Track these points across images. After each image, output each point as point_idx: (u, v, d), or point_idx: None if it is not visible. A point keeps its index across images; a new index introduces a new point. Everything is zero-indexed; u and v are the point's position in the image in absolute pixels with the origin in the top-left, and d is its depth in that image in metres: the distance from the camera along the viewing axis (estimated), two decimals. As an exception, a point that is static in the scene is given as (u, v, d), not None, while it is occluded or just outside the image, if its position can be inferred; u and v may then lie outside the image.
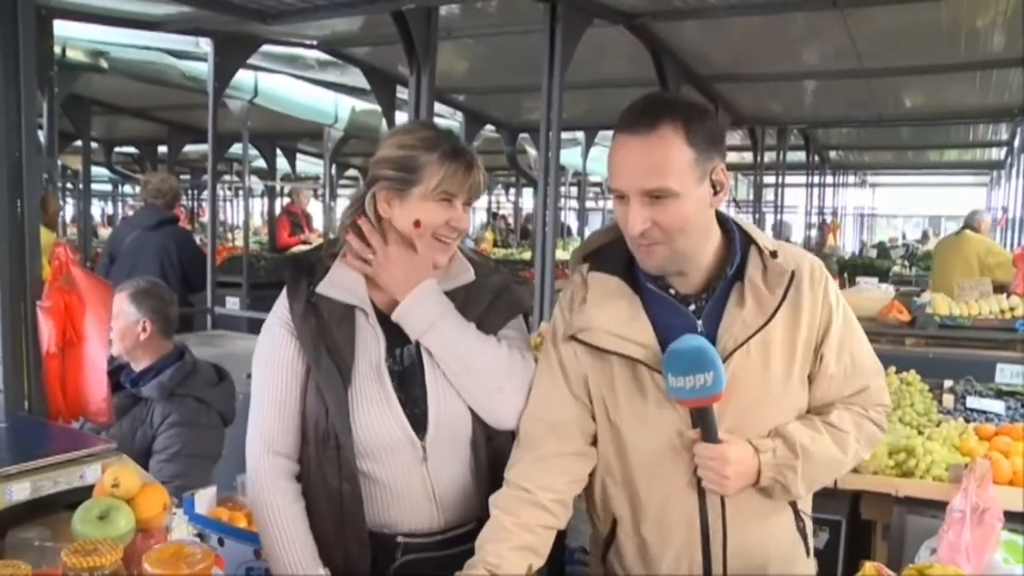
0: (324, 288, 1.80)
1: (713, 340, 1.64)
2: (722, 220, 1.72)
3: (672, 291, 1.71)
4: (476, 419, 1.82)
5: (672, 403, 1.65)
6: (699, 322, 1.69)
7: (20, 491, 1.68)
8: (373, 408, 1.76)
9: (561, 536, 2.01)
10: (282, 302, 1.84)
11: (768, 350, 1.67)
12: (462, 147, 1.80)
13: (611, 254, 1.77)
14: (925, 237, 18.10)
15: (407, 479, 1.79)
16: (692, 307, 1.70)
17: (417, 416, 1.79)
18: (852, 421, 1.74)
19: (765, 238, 1.73)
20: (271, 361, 1.81)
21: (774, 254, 1.68)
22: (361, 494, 1.77)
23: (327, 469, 1.77)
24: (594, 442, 1.79)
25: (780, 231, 11.16)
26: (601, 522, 1.87)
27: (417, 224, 1.77)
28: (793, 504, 1.79)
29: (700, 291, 1.70)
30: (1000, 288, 5.92)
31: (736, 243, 1.70)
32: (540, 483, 1.72)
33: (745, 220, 1.77)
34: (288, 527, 1.76)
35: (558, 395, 1.77)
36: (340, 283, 1.82)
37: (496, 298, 1.89)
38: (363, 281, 1.83)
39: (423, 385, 1.81)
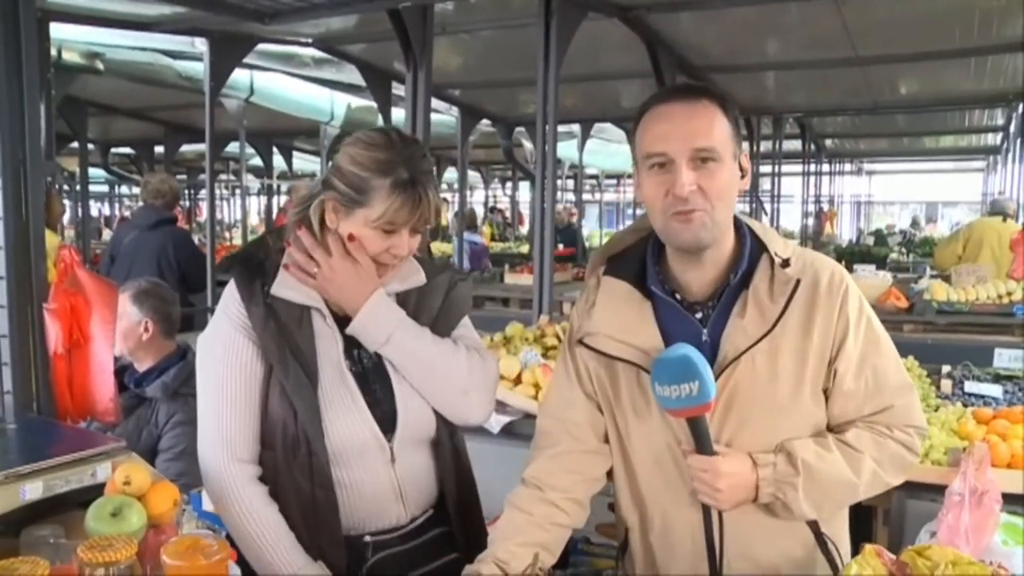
0: (279, 289, 1.75)
1: (717, 348, 1.63)
2: (736, 224, 1.70)
3: (679, 297, 1.68)
4: (440, 418, 1.84)
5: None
6: (704, 330, 1.65)
7: (33, 490, 1.70)
8: (342, 411, 1.74)
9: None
10: (233, 302, 1.76)
11: (776, 361, 1.62)
12: (417, 175, 1.71)
13: (628, 257, 1.75)
14: (915, 224, 18.11)
15: (375, 481, 1.79)
16: (699, 315, 1.67)
17: (382, 418, 1.78)
18: (871, 441, 1.64)
19: (781, 244, 1.69)
20: (228, 365, 1.75)
21: (786, 263, 1.64)
22: (336, 500, 1.74)
23: (298, 476, 1.73)
24: (607, 440, 1.79)
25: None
26: (618, 526, 1.86)
27: (351, 238, 1.74)
28: (814, 526, 1.68)
29: (707, 298, 1.67)
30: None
31: (746, 248, 1.67)
32: (554, 482, 1.73)
33: (762, 225, 1.73)
34: (272, 530, 1.72)
35: (572, 395, 1.78)
36: (294, 283, 1.77)
37: (446, 298, 1.90)
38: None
39: (388, 386, 1.80)
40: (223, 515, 1.78)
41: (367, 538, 1.81)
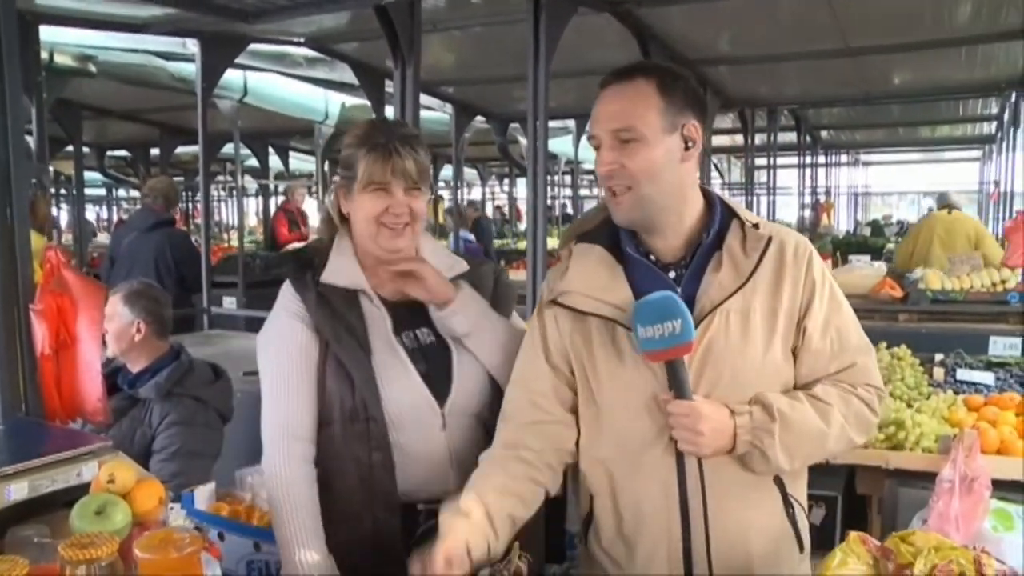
0: (328, 276, 1.91)
1: (692, 306, 1.66)
2: (706, 193, 1.78)
3: (653, 258, 1.75)
4: (490, 399, 1.94)
5: (648, 366, 1.67)
6: (679, 288, 1.70)
7: (18, 490, 1.71)
8: (395, 379, 1.86)
9: (561, 520, 2.05)
10: (289, 296, 1.93)
11: (748, 318, 1.67)
12: (391, 135, 1.87)
13: (599, 229, 1.82)
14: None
15: (429, 446, 1.88)
16: (672, 274, 1.73)
17: (436, 387, 1.90)
18: (838, 395, 1.70)
19: (749, 214, 1.77)
20: (283, 350, 1.89)
21: (756, 226, 1.72)
22: (393, 463, 1.85)
23: (355, 444, 1.85)
24: (575, 411, 1.81)
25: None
26: (582, 498, 1.87)
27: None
28: (780, 485, 1.73)
29: (680, 259, 1.74)
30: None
31: (717, 213, 1.74)
32: (527, 443, 1.76)
33: (730, 199, 1.81)
34: (301, 510, 1.81)
35: (538, 366, 1.82)
36: (340, 270, 1.92)
37: (495, 289, 2.05)
38: (359, 267, 1.93)
39: (444, 361, 1.93)
40: (268, 490, 1.89)
41: (420, 506, 1.89)
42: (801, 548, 1.78)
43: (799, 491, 1.80)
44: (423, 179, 1.90)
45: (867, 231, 14.97)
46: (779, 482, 1.73)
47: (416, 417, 1.88)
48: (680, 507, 1.70)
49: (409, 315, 1.96)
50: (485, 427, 1.93)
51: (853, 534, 1.60)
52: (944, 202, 7.55)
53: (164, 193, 5.94)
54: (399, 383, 1.87)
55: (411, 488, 1.89)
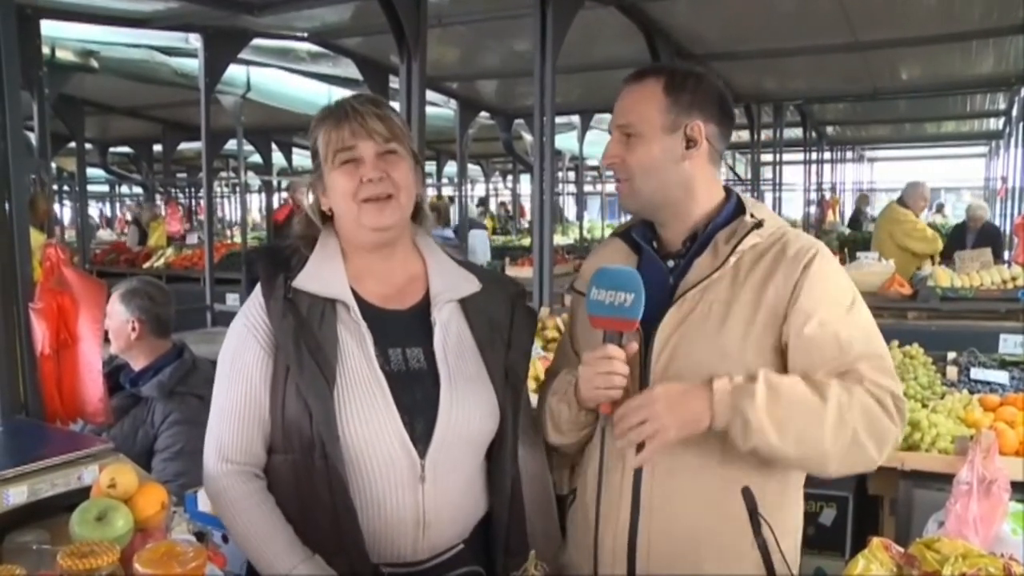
0: (302, 282, 1.66)
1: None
2: (727, 191, 1.79)
3: (655, 246, 1.79)
4: (502, 434, 1.72)
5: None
6: (671, 278, 1.72)
7: (17, 495, 1.67)
8: (363, 413, 1.60)
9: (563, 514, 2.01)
10: (255, 301, 1.69)
11: (730, 308, 1.64)
12: (345, 102, 1.68)
13: (631, 225, 1.87)
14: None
15: (397, 499, 1.62)
16: (671, 263, 1.75)
17: (416, 428, 1.62)
18: (837, 384, 1.56)
19: (762, 211, 1.75)
20: (232, 369, 1.68)
21: (759, 224, 1.69)
22: (355, 509, 1.59)
23: (317, 483, 1.60)
24: None
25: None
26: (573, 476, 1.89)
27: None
28: (749, 499, 1.64)
29: (681, 249, 1.76)
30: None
31: (726, 211, 1.75)
32: None
33: (753, 199, 1.80)
34: (263, 528, 1.62)
35: (565, 351, 1.92)
36: (319, 275, 1.68)
37: (514, 314, 1.81)
38: (343, 271, 1.70)
39: (431, 393, 1.65)
40: (220, 517, 1.71)
41: (385, 569, 1.64)
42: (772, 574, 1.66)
43: (776, 513, 1.67)
44: (397, 138, 1.67)
45: (871, 227, 14.86)
46: (747, 495, 1.64)
47: (385, 461, 1.60)
48: (632, 502, 1.68)
49: (402, 329, 1.69)
50: (496, 471, 1.72)
51: (875, 540, 1.56)
52: (900, 196, 7.60)
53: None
54: (367, 417, 1.59)
55: (375, 545, 1.62)
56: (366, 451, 1.59)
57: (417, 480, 1.61)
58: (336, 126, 1.65)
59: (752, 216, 1.70)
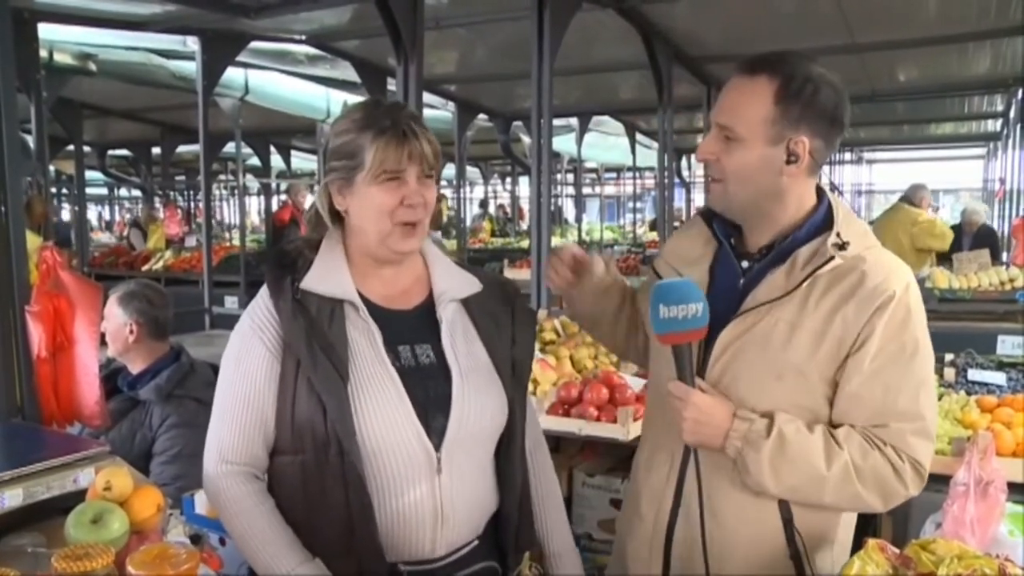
0: (309, 283, 1.66)
1: (744, 298, 1.68)
2: (821, 197, 1.73)
3: (732, 243, 1.76)
4: (511, 430, 1.73)
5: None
6: (742, 279, 1.71)
7: (12, 497, 1.66)
8: (378, 406, 1.60)
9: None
10: (262, 303, 1.69)
11: (796, 331, 1.62)
12: (398, 117, 1.65)
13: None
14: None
15: (415, 492, 1.62)
16: (746, 264, 1.73)
17: (431, 422, 1.64)
18: (858, 445, 1.60)
19: (857, 233, 1.68)
20: (235, 370, 1.68)
21: (843, 246, 1.63)
22: (372, 504, 1.59)
23: (331, 482, 1.59)
24: None
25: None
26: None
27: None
28: (786, 511, 1.66)
29: (760, 252, 1.72)
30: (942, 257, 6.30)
31: (813, 221, 1.69)
32: None
33: (847, 210, 1.72)
34: (263, 529, 1.62)
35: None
36: (326, 276, 1.68)
37: (514, 309, 1.83)
38: (348, 272, 1.70)
39: (443, 388, 1.67)
40: (220, 518, 1.71)
41: (402, 567, 1.63)
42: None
43: (813, 528, 1.69)
44: (437, 165, 1.68)
45: (871, 229, 14.85)
46: (784, 506, 1.67)
47: (401, 455, 1.60)
48: (674, 496, 1.73)
49: (408, 327, 1.71)
50: (506, 464, 1.73)
51: (871, 541, 1.56)
52: (902, 197, 7.56)
53: None
54: (382, 412, 1.60)
55: (393, 543, 1.62)
56: (382, 445, 1.60)
57: (433, 472, 1.62)
58: (395, 145, 1.62)
59: (838, 236, 1.64)
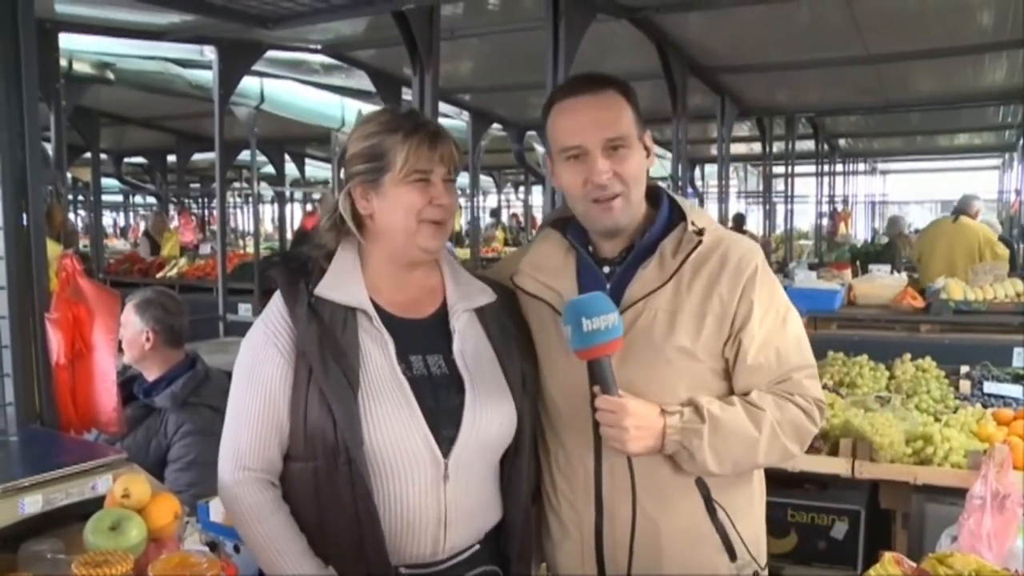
0: (323, 290, 1.67)
1: (618, 302, 1.69)
2: (655, 194, 1.82)
3: (591, 250, 1.80)
4: (519, 439, 1.75)
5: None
6: (608, 285, 1.75)
7: (32, 504, 1.68)
8: (387, 416, 1.62)
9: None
10: (276, 309, 1.70)
11: (675, 318, 1.70)
12: (425, 120, 1.74)
13: (569, 220, 1.86)
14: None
15: (421, 499, 1.64)
16: (607, 269, 1.78)
17: (440, 432, 1.65)
18: (772, 402, 1.70)
19: (702, 217, 1.79)
20: (251, 376, 1.68)
21: (701, 231, 1.73)
22: (378, 512, 1.60)
23: (341, 488, 1.61)
24: None
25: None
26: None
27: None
28: (703, 487, 1.73)
29: (617, 256, 1.78)
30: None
31: (660, 217, 1.78)
32: None
33: (688, 201, 1.84)
34: (279, 537, 1.63)
35: None
36: (339, 284, 1.69)
37: (517, 321, 1.85)
38: (362, 281, 1.71)
39: (455, 398, 1.68)
40: (235, 525, 1.72)
41: (403, 570, 1.66)
42: (733, 556, 1.76)
43: (730, 497, 1.77)
44: (458, 169, 1.75)
45: (884, 240, 14.81)
46: (701, 484, 1.73)
47: (410, 463, 1.62)
48: (595, 500, 1.74)
49: (421, 337, 1.72)
50: (512, 472, 1.75)
51: (887, 554, 1.56)
52: (957, 209, 7.42)
53: None
54: (392, 422, 1.61)
55: (396, 546, 1.64)
56: (390, 454, 1.61)
57: (441, 479, 1.64)
58: (428, 146, 1.67)
59: (694, 224, 1.74)
